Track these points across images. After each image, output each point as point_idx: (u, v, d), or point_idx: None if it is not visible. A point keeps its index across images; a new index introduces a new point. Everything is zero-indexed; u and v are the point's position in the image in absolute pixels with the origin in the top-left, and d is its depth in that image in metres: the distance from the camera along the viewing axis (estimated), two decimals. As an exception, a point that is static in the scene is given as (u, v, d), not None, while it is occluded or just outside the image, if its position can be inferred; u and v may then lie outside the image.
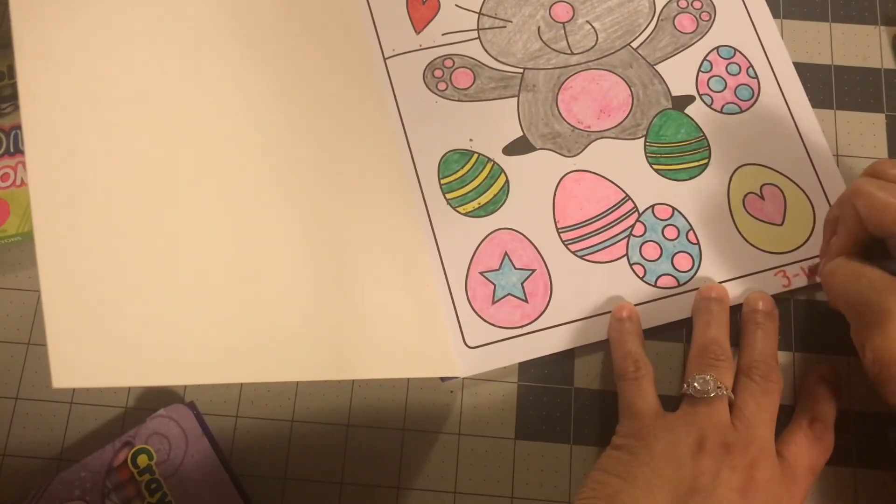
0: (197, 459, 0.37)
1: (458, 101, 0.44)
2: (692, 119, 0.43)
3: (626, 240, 0.41)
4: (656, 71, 0.44)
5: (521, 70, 0.45)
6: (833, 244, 0.36)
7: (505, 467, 0.39)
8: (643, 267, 0.41)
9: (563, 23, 0.46)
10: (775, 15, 0.46)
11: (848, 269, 0.33)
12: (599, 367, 0.40)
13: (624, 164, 0.43)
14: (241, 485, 0.37)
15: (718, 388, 0.35)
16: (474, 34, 0.46)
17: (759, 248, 0.41)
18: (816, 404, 0.37)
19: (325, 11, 0.45)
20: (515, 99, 0.44)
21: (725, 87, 0.44)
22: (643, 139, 0.43)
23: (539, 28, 0.46)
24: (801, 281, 0.40)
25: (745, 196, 0.42)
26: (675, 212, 0.42)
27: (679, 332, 0.40)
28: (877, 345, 0.31)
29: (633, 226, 0.41)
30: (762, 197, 0.42)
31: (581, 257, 0.41)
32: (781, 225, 0.41)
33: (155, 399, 0.40)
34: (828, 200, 0.41)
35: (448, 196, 0.43)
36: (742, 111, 0.43)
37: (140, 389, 0.40)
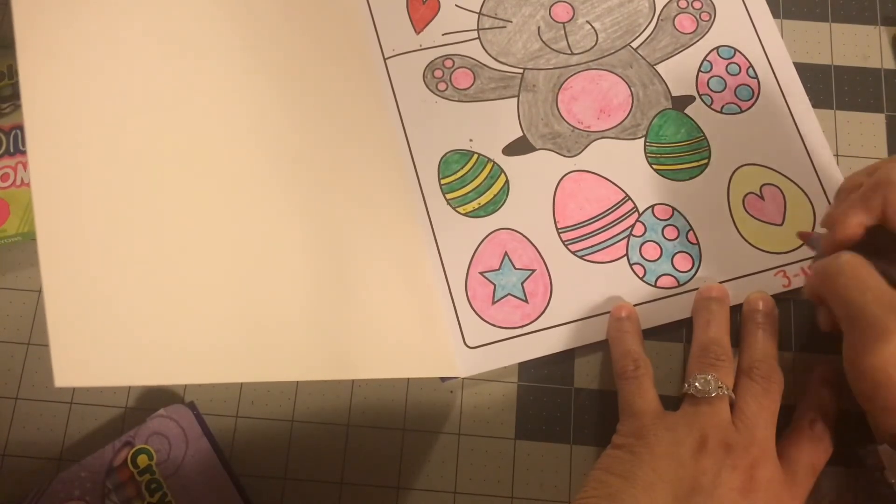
0: (197, 459, 0.37)
1: (458, 101, 0.44)
2: (692, 119, 0.43)
3: (625, 240, 0.41)
4: (656, 71, 0.45)
5: (521, 70, 0.45)
6: (840, 231, 0.33)
7: (505, 467, 0.39)
8: (643, 267, 0.41)
9: (563, 23, 0.46)
10: (775, 15, 0.46)
11: (853, 276, 0.31)
12: (599, 367, 0.40)
13: (624, 164, 0.43)
14: (241, 485, 0.37)
15: (720, 387, 0.35)
16: (474, 34, 0.46)
17: (759, 248, 0.41)
18: (817, 404, 0.37)
19: (325, 12, 0.45)
20: (515, 99, 0.44)
21: (725, 88, 0.44)
22: (643, 139, 0.43)
23: (539, 28, 0.46)
24: (801, 281, 0.40)
25: (745, 196, 0.42)
26: (675, 212, 0.42)
27: (679, 332, 0.40)
28: (871, 364, 0.30)
29: (632, 226, 0.41)
30: (762, 197, 0.42)
31: (581, 257, 0.41)
32: (781, 225, 0.41)
33: (155, 399, 0.40)
34: (828, 200, 0.41)
35: (448, 196, 0.43)
36: (742, 111, 0.43)
37: (140, 389, 0.40)
